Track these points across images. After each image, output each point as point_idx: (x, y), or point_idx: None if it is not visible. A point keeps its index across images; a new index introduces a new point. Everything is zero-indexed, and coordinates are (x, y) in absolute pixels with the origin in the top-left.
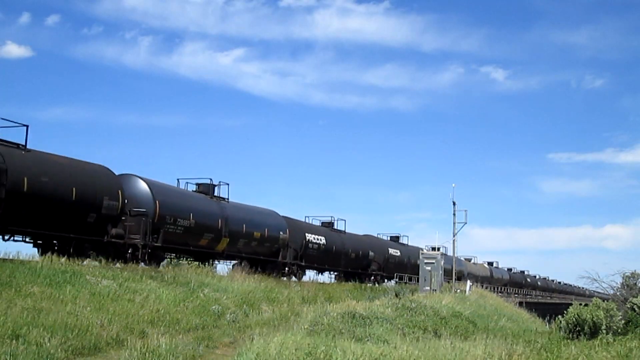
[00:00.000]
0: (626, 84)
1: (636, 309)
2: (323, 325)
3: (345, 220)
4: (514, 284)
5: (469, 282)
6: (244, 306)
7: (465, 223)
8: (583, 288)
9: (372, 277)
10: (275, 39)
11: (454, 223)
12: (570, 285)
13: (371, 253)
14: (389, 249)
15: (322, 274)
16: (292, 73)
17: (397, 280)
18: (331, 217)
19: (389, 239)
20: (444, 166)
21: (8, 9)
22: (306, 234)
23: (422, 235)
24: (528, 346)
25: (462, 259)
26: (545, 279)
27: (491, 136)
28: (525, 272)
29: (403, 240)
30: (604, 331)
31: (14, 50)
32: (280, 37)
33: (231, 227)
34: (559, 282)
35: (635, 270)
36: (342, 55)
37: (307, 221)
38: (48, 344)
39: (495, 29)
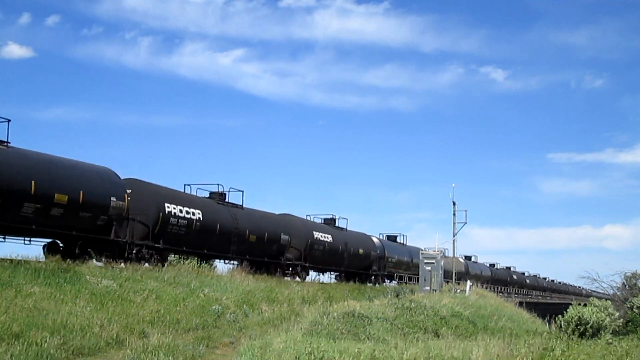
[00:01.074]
0: (626, 84)
1: (636, 309)
2: (323, 325)
3: (243, 192)
4: (496, 281)
5: (469, 282)
6: (244, 306)
7: (465, 223)
8: (580, 287)
9: (290, 268)
10: (275, 39)
11: (454, 223)
12: (566, 284)
13: (284, 236)
14: (315, 232)
15: (205, 262)
16: (292, 73)
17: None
18: (219, 184)
19: (322, 221)
20: (444, 166)
21: (8, 9)
22: (166, 205)
23: (422, 235)
24: (529, 346)
25: (423, 249)
26: (535, 276)
27: (491, 136)
28: (512, 269)
29: (341, 224)
30: (604, 331)
31: (16, 50)
32: (280, 37)
33: None
34: (552, 281)
35: (635, 271)
36: (342, 55)
37: (187, 191)
38: (48, 344)
39: (494, 30)
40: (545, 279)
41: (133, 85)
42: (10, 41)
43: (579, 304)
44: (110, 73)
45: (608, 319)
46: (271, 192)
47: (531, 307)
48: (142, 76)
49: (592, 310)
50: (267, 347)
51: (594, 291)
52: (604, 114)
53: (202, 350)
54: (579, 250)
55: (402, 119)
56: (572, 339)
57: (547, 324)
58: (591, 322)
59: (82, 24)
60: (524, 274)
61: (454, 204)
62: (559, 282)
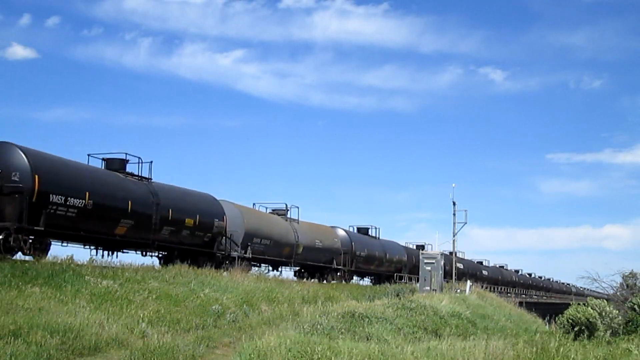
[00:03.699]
0: (624, 85)
1: (636, 308)
2: (323, 325)
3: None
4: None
5: (469, 282)
6: (244, 306)
7: (465, 223)
8: (569, 284)
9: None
10: (275, 40)
11: (454, 223)
12: (549, 280)
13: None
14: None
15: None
16: (292, 74)
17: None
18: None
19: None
20: (444, 166)
21: (9, 10)
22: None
23: (422, 235)
24: (528, 346)
25: (352, 229)
26: (502, 267)
27: (491, 136)
28: (460, 255)
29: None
30: (602, 331)
31: (19, 51)
32: (279, 38)
33: None
34: (529, 275)
35: (632, 270)
36: (341, 56)
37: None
38: (48, 344)
39: (493, 30)
40: (517, 271)
41: (133, 86)
42: (14, 42)
43: (578, 304)
44: (111, 74)
45: (598, 316)
46: (271, 192)
47: (531, 307)
48: (142, 77)
49: (583, 309)
50: (266, 347)
51: (593, 291)
52: (603, 115)
53: (202, 350)
54: (579, 250)
55: (402, 119)
56: (570, 339)
57: (547, 324)
58: (584, 322)
59: (82, 25)
60: (481, 263)
61: (454, 204)
62: (540, 277)
